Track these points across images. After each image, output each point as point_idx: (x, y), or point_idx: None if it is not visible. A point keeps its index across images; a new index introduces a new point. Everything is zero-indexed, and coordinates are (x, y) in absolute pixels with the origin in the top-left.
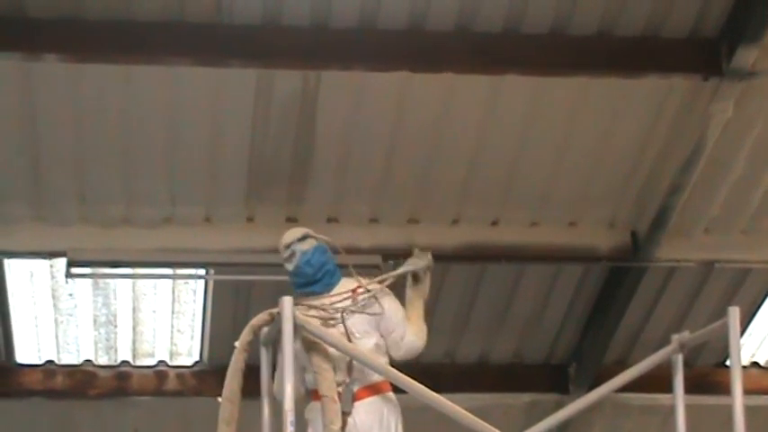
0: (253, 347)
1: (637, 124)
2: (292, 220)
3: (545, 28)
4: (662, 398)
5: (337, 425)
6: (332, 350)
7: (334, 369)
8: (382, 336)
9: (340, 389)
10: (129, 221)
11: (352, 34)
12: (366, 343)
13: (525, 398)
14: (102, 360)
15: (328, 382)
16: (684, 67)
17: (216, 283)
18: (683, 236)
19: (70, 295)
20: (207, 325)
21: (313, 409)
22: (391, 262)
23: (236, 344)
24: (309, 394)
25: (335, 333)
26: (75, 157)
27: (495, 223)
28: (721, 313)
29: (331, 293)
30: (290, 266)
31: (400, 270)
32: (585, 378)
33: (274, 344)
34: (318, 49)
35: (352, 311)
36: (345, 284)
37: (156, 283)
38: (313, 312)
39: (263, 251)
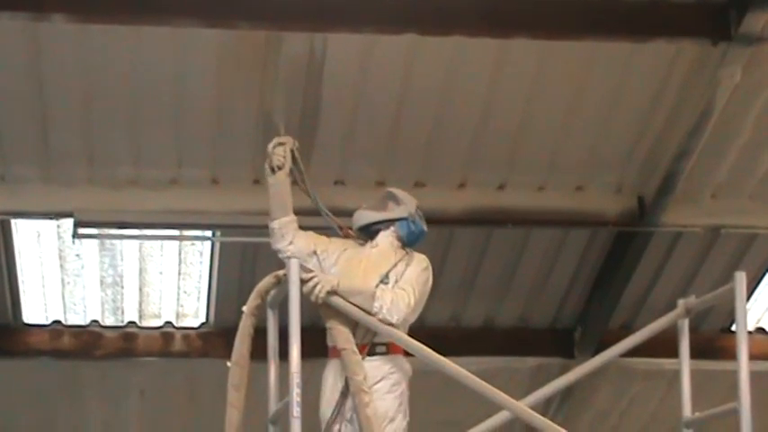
0: (260, 311)
1: (645, 89)
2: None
3: None
4: (667, 363)
5: (361, 375)
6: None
7: (348, 323)
8: None
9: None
10: (137, 183)
11: None
12: None
13: (530, 362)
14: (109, 321)
15: (345, 335)
16: (693, 31)
17: (222, 244)
18: (690, 201)
19: (77, 256)
20: (213, 287)
21: (328, 366)
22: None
23: (244, 308)
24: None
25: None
26: (83, 118)
27: (501, 187)
28: (727, 278)
29: None
30: (425, 227)
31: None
32: (591, 342)
33: (281, 306)
34: (326, 11)
35: None
36: None
37: (162, 245)
38: None
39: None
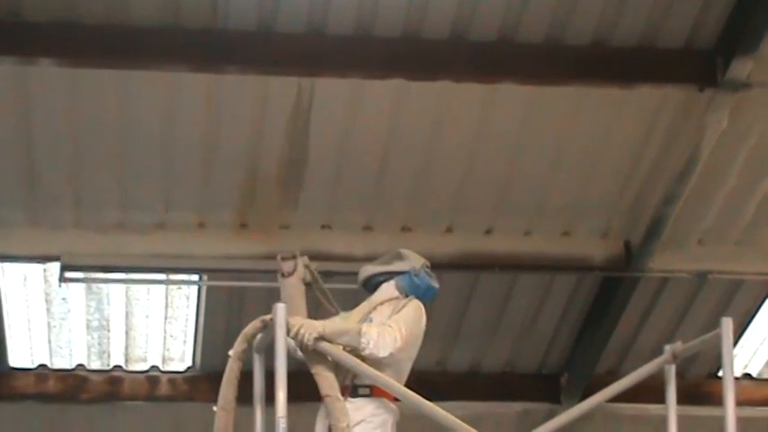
0: (247, 355)
1: (631, 134)
2: (285, 227)
3: (540, 37)
4: (654, 408)
5: (344, 422)
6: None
7: (335, 369)
8: None
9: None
10: (123, 226)
11: (347, 41)
12: None
13: (517, 407)
14: (95, 364)
15: (329, 381)
16: (679, 77)
17: (209, 288)
18: (677, 246)
19: (63, 299)
20: (200, 331)
21: (320, 410)
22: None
23: (231, 353)
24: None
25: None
26: (70, 161)
27: (488, 232)
28: (714, 324)
29: None
30: (434, 283)
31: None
32: (577, 388)
33: (267, 350)
34: (314, 55)
35: None
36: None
37: (149, 289)
38: None
39: (256, 257)
